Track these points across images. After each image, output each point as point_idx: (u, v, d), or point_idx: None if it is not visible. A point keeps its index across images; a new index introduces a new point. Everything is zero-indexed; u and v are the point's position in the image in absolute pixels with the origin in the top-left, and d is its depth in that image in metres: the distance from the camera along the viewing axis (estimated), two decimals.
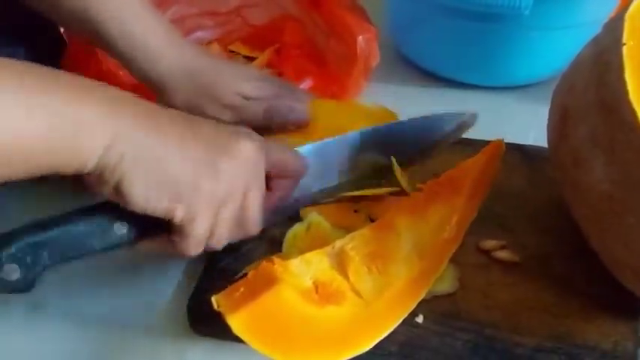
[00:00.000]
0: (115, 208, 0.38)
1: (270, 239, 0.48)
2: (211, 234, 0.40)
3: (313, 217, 0.49)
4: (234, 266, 0.46)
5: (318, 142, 0.51)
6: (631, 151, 0.34)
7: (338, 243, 0.43)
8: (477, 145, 0.55)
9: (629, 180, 0.35)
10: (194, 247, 0.40)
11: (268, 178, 0.44)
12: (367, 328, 0.40)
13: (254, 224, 0.42)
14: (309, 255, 0.42)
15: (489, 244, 0.46)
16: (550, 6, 0.56)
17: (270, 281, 0.38)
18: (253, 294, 0.37)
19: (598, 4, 0.59)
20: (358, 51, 0.60)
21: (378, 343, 0.39)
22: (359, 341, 0.39)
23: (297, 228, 0.48)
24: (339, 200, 0.50)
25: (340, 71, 0.62)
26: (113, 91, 0.38)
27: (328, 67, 0.64)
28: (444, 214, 0.47)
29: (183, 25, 0.71)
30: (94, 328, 0.45)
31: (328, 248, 0.43)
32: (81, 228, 0.38)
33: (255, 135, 0.43)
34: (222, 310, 0.36)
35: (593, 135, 0.37)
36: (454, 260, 0.45)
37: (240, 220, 0.41)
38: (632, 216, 0.36)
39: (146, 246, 0.41)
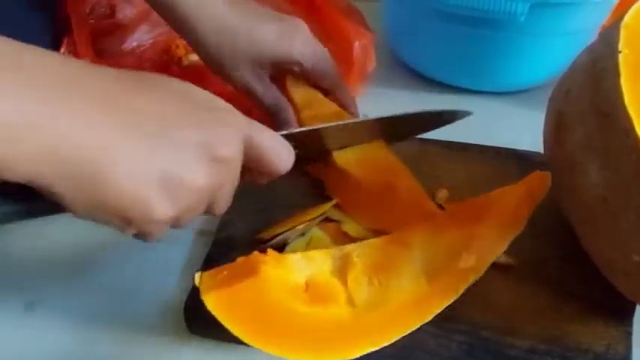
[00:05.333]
0: None
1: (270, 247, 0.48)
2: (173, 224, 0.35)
3: (315, 232, 0.48)
4: None
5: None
6: (625, 155, 0.35)
7: (346, 247, 0.43)
8: (472, 149, 0.55)
9: (623, 183, 0.36)
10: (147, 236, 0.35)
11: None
12: (354, 339, 0.38)
13: (219, 212, 0.38)
14: (313, 252, 0.42)
15: None
16: (545, 13, 0.57)
17: (254, 270, 0.38)
18: (234, 279, 0.38)
19: (592, 11, 0.60)
20: (354, 56, 0.61)
21: None
22: (342, 348, 0.37)
23: (298, 242, 0.47)
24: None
25: None
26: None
27: None
28: (461, 240, 0.43)
29: None
30: (91, 328, 0.45)
31: (334, 250, 0.43)
32: None
33: (238, 119, 0.36)
34: (200, 287, 0.37)
35: (588, 139, 0.38)
36: None
37: (206, 211, 0.37)
38: (625, 219, 0.36)
39: None
